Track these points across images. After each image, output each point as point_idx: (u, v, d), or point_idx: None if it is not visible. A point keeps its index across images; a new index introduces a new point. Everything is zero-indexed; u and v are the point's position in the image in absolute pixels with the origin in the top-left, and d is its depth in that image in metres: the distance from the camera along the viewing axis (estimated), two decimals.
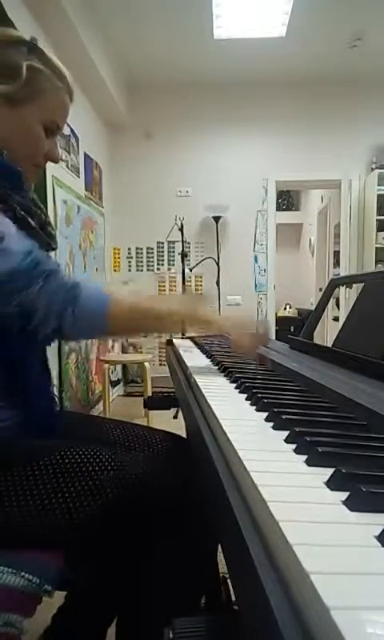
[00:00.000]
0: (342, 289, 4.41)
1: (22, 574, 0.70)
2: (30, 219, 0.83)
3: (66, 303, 0.74)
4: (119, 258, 4.64)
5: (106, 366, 3.50)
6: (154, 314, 0.86)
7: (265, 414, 0.58)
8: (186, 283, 4.19)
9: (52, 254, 0.94)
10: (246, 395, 0.68)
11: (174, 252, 4.59)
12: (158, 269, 4.64)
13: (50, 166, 2.90)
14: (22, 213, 0.81)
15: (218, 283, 4.47)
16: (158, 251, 4.64)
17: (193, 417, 0.59)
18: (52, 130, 0.87)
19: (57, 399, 0.95)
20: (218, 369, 0.93)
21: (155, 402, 1.21)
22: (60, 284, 0.75)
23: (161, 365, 4.13)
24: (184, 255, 4.11)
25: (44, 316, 0.73)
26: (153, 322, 0.88)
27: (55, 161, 0.91)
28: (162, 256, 4.64)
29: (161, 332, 0.92)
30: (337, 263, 5.02)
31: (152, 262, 4.65)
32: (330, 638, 0.21)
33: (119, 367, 4.43)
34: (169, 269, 4.64)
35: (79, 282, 0.77)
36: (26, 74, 0.80)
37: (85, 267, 3.60)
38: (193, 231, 4.52)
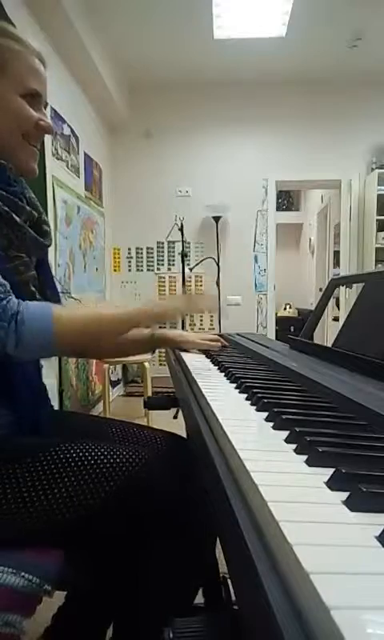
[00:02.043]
0: (342, 289, 4.41)
1: (22, 574, 0.70)
2: (15, 215, 0.80)
3: (6, 331, 0.71)
4: (119, 258, 4.64)
5: (106, 366, 3.50)
6: (98, 317, 0.82)
7: (265, 414, 0.58)
8: (186, 283, 4.18)
9: (50, 255, 0.93)
10: (246, 395, 0.68)
11: (173, 252, 4.59)
12: (158, 269, 4.64)
13: (50, 165, 2.91)
14: (6, 209, 0.79)
15: (217, 283, 4.47)
16: (158, 251, 4.64)
17: (193, 417, 0.59)
18: (33, 98, 0.84)
19: (49, 398, 0.95)
20: (218, 369, 0.93)
21: (155, 402, 1.21)
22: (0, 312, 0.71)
23: (161, 365, 4.13)
24: (184, 255, 4.11)
25: None
26: (101, 326, 0.83)
27: (48, 130, 0.87)
28: (162, 256, 4.64)
29: (111, 336, 0.88)
30: (337, 263, 5.02)
31: (152, 262, 4.65)
32: (330, 638, 0.21)
33: (119, 367, 4.43)
34: (169, 269, 4.63)
35: (21, 309, 0.72)
36: None
37: (85, 267, 3.60)
38: (193, 231, 4.52)
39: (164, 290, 4.64)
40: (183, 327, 4.13)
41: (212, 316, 4.64)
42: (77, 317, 0.79)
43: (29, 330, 0.71)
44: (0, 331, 0.70)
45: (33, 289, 0.85)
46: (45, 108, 0.89)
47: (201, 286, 4.62)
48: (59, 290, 1.05)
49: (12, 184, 0.83)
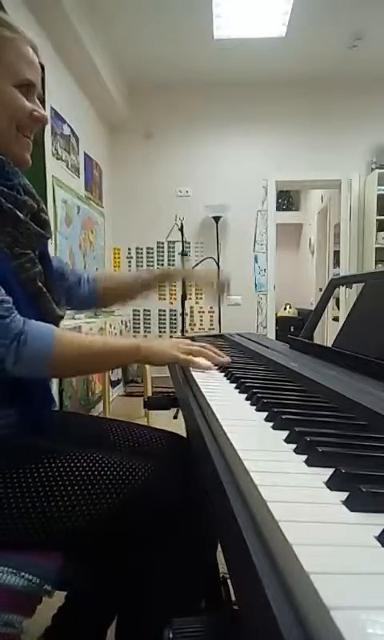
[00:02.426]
0: (342, 289, 4.41)
1: (22, 573, 0.70)
2: (17, 211, 0.80)
3: (7, 350, 0.71)
4: (119, 258, 4.65)
5: None
6: (99, 347, 0.82)
7: (265, 414, 0.58)
8: (187, 283, 4.18)
9: (51, 248, 0.92)
10: (245, 395, 0.68)
11: (173, 252, 4.59)
12: (158, 269, 4.64)
13: (49, 165, 2.91)
14: (10, 206, 0.78)
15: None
16: (157, 251, 4.64)
17: (193, 417, 0.59)
18: (27, 88, 0.82)
19: (54, 398, 0.95)
20: (218, 369, 0.93)
21: (155, 402, 1.21)
22: (2, 332, 0.71)
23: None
24: (184, 255, 4.11)
25: None
26: (99, 356, 0.83)
27: (42, 121, 0.85)
28: (162, 256, 4.64)
29: (108, 365, 0.88)
30: (337, 263, 5.02)
31: (152, 262, 4.65)
32: (330, 638, 0.21)
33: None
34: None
35: (25, 329, 0.73)
36: None
37: (85, 267, 3.60)
38: (193, 231, 4.53)
39: (164, 290, 4.64)
40: (183, 327, 4.13)
41: (212, 316, 4.64)
42: (77, 344, 0.79)
43: (30, 350, 0.73)
44: (0, 349, 0.71)
45: (39, 284, 0.84)
46: (40, 100, 0.88)
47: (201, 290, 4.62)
48: (65, 271, 1.07)
49: (11, 178, 0.82)
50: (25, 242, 0.82)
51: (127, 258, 4.66)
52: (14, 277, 0.78)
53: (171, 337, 3.43)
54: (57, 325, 0.87)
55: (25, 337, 0.72)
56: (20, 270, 0.80)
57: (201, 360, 0.87)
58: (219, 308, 4.52)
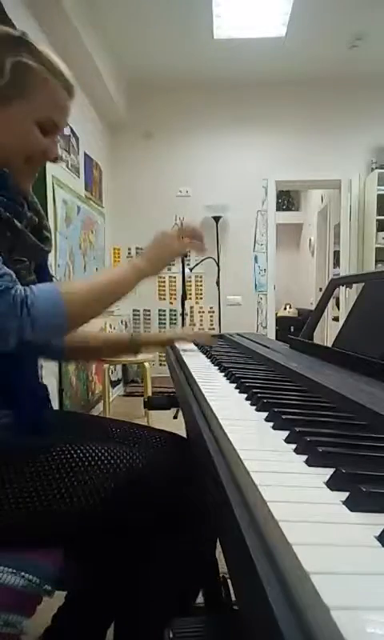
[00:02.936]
0: (342, 289, 4.41)
1: (22, 573, 0.70)
2: (16, 221, 0.80)
3: (21, 322, 0.71)
4: (119, 258, 4.64)
5: (106, 366, 3.50)
6: (106, 283, 0.85)
7: (265, 414, 0.58)
8: (186, 283, 4.19)
9: (50, 256, 0.93)
10: (245, 395, 0.68)
11: None
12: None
13: (50, 165, 2.91)
14: (8, 215, 0.79)
15: (217, 283, 4.48)
16: None
17: (193, 417, 0.59)
18: (49, 128, 0.83)
19: (50, 398, 0.95)
20: (218, 369, 0.93)
21: (155, 402, 1.21)
22: (10, 303, 0.71)
23: (161, 365, 4.12)
24: (184, 255, 4.11)
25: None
26: (112, 288, 0.85)
27: (53, 160, 0.87)
28: None
29: (118, 295, 0.89)
30: (337, 263, 5.02)
31: None
32: (330, 638, 0.21)
33: (119, 367, 4.43)
34: (169, 269, 4.58)
35: (28, 294, 0.73)
36: (10, 71, 0.76)
37: (85, 267, 3.60)
38: None
39: (164, 290, 4.64)
40: (183, 327, 4.13)
41: (212, 316, 4.64)
42: (80, 287, 0.81)
43: (41, 309, 0.72)
44: (14, 321, 0.70)
45: None
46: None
47: (201, 286, 4.62)
48: None
49: (12, 191, 0.83)
50: (21, 250, 0.83)
51: (127, 257, 4.66)
52: None
53: None
54: None
55: (31, 300, 0.72)
56: (16, 275, 0.81)
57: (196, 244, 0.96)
58: (219, 308, 4.52)
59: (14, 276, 0.74)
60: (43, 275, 0.92)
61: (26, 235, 0.83)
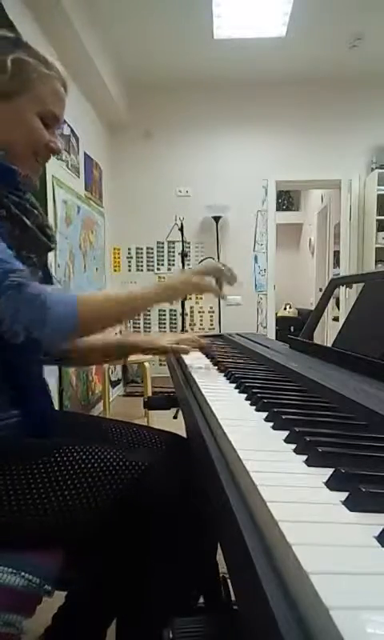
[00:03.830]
0: (342, 289, 4.41)
1: (22, 573, 0.70)
2: (25, 218, 0.82)
3: (34, 317, 0.71)
4: (119, 258, 4.64)
5: (106, 365, 3.50)
6: (125, 297, 0.86)
7: (265, 414, 0.58)
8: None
9: (50, 254, 0.93)
10: (245, 395, 0.68)
11: (173, 252, 4.59)
12: (158, 269, 4.64)
13: (50, 165, 2.91)
14: (17, 212, 0.81)
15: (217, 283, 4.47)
16: (157, 251, 4.63)
17: (193, 417, 0.59)
18: (50, 120, 0.87)
19: (52, 399, 0.95)
20: (218, 369, 0.93)
21: (155, 402, 1.21)
22: (27, 299, 0.71)
23: (161, 365, 4.12)
24: (184, 255, 4.11)
25: (10, 327, 0.71)
26: (126, 303, 0.86)
27: (56, 152, 0.91)
28: (162, 256, 4.64)
29: (136, 312, 0.90)
30: (337, 263, 5.02)
31: (152, 262, 4.65)
32: (330, 638, 0.21)
33: (119, 367, 4.43)
34: (169, 269, 4.63)
35: (45, 294, 0.73)
36: (11, 67, 0.81)
37: (85, 267, 3.60)
38: (193, 231, 4.52)
39: None
40: (183, 327, 4.13)
41: (212, 316, 4.64)
42: (98, 293, 0.85)
43: (53, 308, 0.73)
44: (27, 316, 0.71)
45: None
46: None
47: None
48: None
49: (21, 188, 0.85)
50: (30, 247, 0.84)
51: (127, 257, 4.66)
52: None
53: None
54: None
55: (46, 298, 0.72)
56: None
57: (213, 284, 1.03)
58: (219, 308, 4.52)
59: (28, 272, 0.75)
60: (45, 274, 0.93)
61: (35, 232, 0.85)
